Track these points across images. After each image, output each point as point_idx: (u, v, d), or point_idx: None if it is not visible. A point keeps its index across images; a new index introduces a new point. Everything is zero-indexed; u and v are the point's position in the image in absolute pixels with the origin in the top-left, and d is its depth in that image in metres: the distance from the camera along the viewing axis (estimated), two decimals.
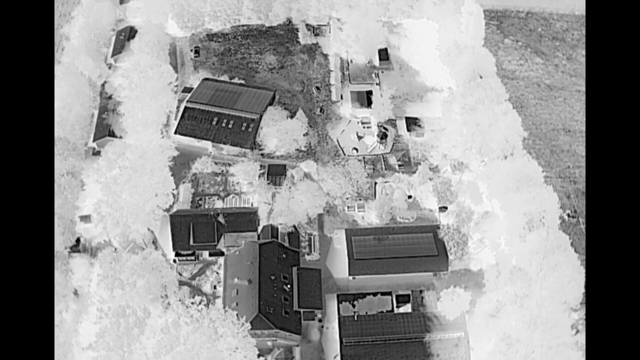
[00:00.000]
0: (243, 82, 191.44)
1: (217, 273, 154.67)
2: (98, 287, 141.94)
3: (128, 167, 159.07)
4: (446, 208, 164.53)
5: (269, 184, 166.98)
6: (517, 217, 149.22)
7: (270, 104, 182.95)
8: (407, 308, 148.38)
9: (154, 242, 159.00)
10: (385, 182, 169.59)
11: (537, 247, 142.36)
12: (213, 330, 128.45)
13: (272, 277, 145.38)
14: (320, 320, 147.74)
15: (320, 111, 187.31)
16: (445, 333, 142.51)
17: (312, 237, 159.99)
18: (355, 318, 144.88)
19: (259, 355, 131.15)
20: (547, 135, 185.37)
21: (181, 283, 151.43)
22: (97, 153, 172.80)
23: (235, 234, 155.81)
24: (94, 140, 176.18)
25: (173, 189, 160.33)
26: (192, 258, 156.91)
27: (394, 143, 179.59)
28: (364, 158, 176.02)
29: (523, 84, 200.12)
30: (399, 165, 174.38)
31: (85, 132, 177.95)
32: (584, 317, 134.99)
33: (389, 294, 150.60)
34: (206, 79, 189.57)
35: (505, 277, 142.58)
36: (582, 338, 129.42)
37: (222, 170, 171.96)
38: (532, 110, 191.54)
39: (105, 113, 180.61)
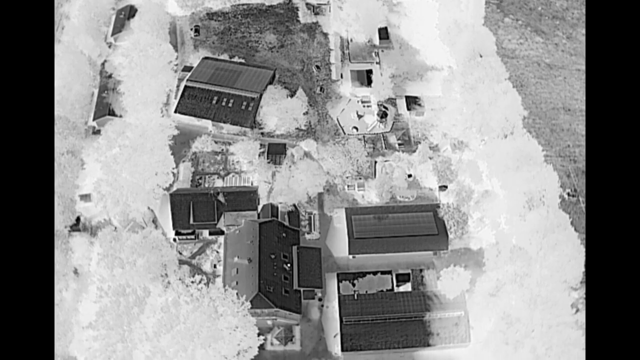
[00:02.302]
0: (243, 61, 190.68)
1: (217, 252, 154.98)
2: (98, 266, 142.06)
3: (128, 146, 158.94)
4: (446, 187, 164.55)
5: (269, 162, 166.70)
6: (517, 196, 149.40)
7: (270, 82, 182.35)
8: (407, 287, 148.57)
9: (154, 221, 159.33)
10: (385, 161, 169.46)
11: (537, 226, 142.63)
12: (213, 309, 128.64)
13: (272, 256, 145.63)
14: (320, 299, 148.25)
15: (321, 90, 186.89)
16: (445, 312, 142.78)
17: (312, 216, 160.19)
18: (355, 297, 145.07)
19: (259, 334, 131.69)
20: (547, 114, 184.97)
21: (181, 262, 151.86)
22: (97, 132, 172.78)
23: (235, 212, 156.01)
24: (94, 119, 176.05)
25: (173, 168, 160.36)
26: (192, 237, 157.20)
27: (394, 122, 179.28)
28: (364, 137, 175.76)
29: (523, 62, 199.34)
30: (399, 144, 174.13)
31: (86, 111, 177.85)
32: (584, 296, 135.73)
33: (389, 272, 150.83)
34: (206, 57, 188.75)
35: (505, 256, 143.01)
36: (582, 317, 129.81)
37: (222, 149, 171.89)
38: (532, 89, 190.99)
39: (105, 92, 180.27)
